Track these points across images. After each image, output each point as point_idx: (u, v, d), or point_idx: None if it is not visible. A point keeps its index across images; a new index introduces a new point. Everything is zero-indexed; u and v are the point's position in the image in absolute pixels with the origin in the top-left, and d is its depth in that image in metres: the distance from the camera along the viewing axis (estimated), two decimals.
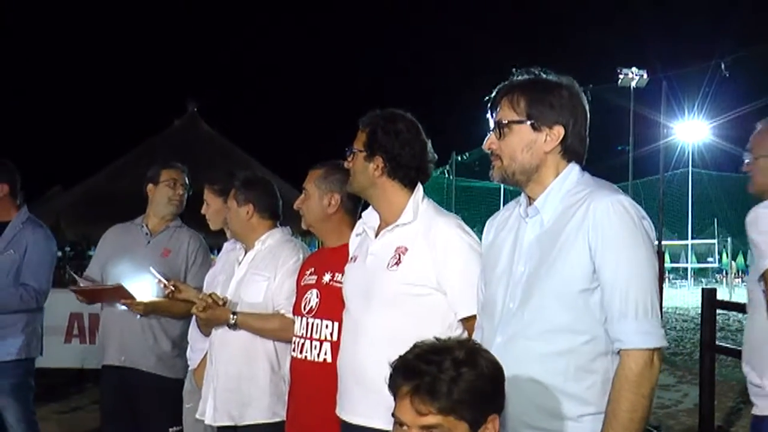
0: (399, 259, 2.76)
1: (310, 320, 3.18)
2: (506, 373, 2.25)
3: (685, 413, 8.18)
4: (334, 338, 3.09)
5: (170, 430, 4.30)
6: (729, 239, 35.93)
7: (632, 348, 2.21)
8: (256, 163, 13.09)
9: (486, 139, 2.44)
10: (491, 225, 2.63)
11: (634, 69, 26.99)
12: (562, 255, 2.29)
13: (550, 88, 2.39)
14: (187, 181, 4.56)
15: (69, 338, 7.59)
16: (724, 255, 35.12)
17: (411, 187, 2.91)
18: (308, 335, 3.18)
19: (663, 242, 35.50)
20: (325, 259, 3.33)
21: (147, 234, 4.52)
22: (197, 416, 3.83)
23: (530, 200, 2.44)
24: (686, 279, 34.63)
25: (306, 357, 3.17)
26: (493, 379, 1.89)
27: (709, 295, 8.10)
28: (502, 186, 31.51)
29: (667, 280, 31.64)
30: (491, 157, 2.44)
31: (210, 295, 3.67)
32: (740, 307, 14.85)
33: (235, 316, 3.60)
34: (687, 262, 36.87)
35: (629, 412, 2.18)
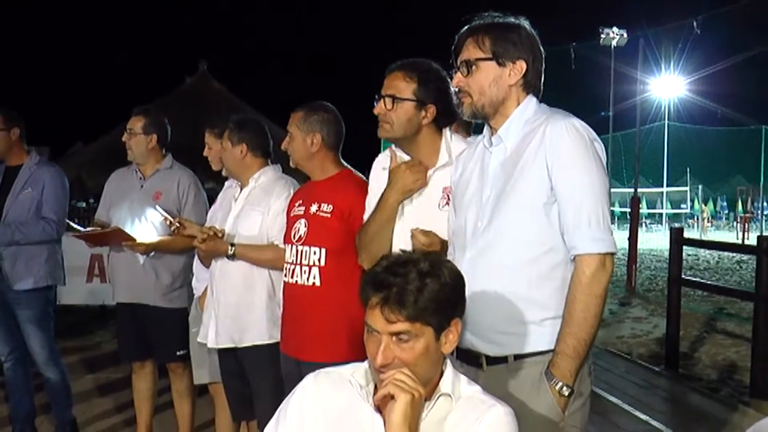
0: (448, 199, 2.70)
1: (300, 247, 3.18)
2: (476, 284, 2.29)
3: (654, 342, 8.26)
4: (322, 263, 3.09)
5: (178, 353, 4.34)
6: (700, 187, 36.04)
7: (585, 253, 2.24)
8: (263, 117, 13.01)
9: (453, 78, 2.44)
10: (458, 162, 2.64)
11: (615, 29, 26.78)
12: (523, 175, 2.31)
13: (511, 28, 2.40)
14: (141, 127, 4.40)
15: (90, 278, 7.59)
16: (696, 201, 35.19)
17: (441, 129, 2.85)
18: (298, 261, 3.18)
19: (640, 189, 35.50)
20: (312, 192, 3.31)
21: (140, 178, 4.48)
22: (199, 340, 3.86)
23: (493, 131, 2.45)
24: (661, 224, 34.73)
25: (297, 281, 3.17)
26: (455, 288, 1.88)
27: (676, 234, 8.20)
28: None
29: (643, 224, 31.68)
30: (460, 95, 2.44)
31: (210, 228, 3.68)
32: (705, 244, 15.08)
33: (233, 248, 3.60)
34: (662, 208, 36.95)
35: (583, 312, 2.22)
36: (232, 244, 3.61)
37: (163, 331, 4.36)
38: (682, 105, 38.59)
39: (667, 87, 35.91)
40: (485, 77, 2.38)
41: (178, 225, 3.98)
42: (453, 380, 1.89)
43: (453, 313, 1.86)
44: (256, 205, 3.66)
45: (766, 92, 42.99)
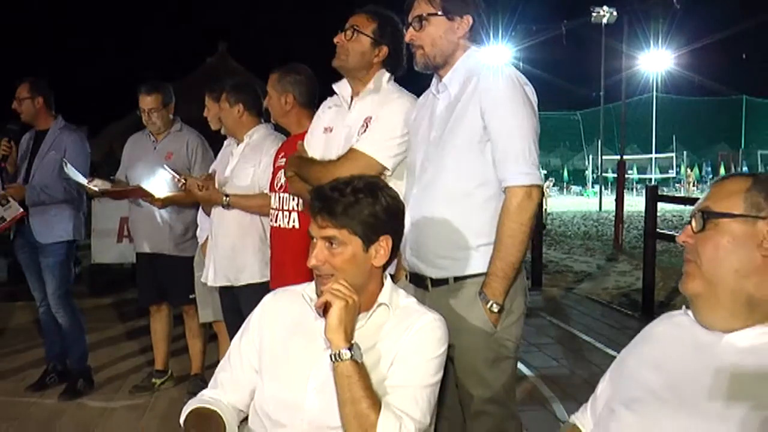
0: (366, 126, 2.74)
1: (282, 195, 3.23)
2: (421, 215, 2.37)
3: (636, 292, 8.29)
4: (300, 208, 3.13)
5: (190, 296, 4.45)
6: (685, 153, 35.89)
7: (513, 185, 2.29)
8: None
9: (407, 33, 2.47)
10: (414, 107, 2.68)
11: (605, 7, 26.50)
12: (461, 117, 2.36)
13: None
14: (159, 103, 4.49)
15: (120, 238, 7.62)
16: (682, 167, 35.00)
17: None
18: (280, 207, 3.24)
19: (630, 156, 35.29)
20: (291, 145, 3.33)
21: (153, 141, 4.58)
22: (201, 280, 3.97)
23: (440, 79, 2.48)
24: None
25: (280, 225, 3.24)
26: (388, 209, 1.90)
27: (651, 191, 8.19)
28: None
29: (634, 189, 31.56)
30: (413, 48, 2.47)
31: (207, 176, 3.82)
32: (679, 200, 14.77)
33: (227, 198, 3.70)
34: (651, 173, 36.76)
35: (510, 237, 2.27)
36: (227, 195, 3.70)
37: (176, 277, 4.49)
38: (670, 78, 38.27)
39: (655, 61, 35.54)
40: (436, 30, 2.41)
41: (184, 181, 4.10)
42: (391, 293, 1.95)
43: (382, 229, 1.89)
44: (249, 159, 3.75)
45: (745, 64, 42.48)
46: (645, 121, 36.58)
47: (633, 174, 35.68)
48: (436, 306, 2.09)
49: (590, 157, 36.36)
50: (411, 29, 2.44)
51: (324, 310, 1.81)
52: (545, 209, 23.65)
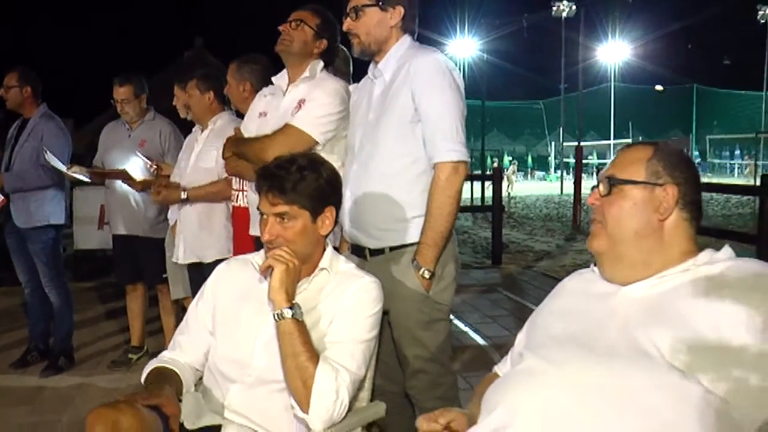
0: (299, 107, 2.79)
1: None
2: (360, 191, 2.44)
3: None
4: (245, 187, 3.21)
5: (163, 275, 4.49)
6: (640, 138, 36.25)
7: (441, 161, 2.36)
8: None
9: (344, 23, 2.52)
10: (354, 91, 2.75)
11: (564, 1, 26.67)
12: (395, 100, 2.42)
13: None
14: (131, 94, 4.53)
15: (101, 225, 7.56)
16: None
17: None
18: (240, 188, 3.32)
19: (591, 143, 35.59)
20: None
21: (128, 129, 4.63)
22: (173, 260, 4.04)
23: (376, 65, 2.55)
24: None
25: (240, 204, 3.32)
26: (329, 181, 1.98)
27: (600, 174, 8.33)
28: None
29: (594, 173, 31.82)
30: (350, 37, 2.53)
31: (160, 183, 3.91)
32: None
33: (185, 193, 3.78)
34: (610, 158, 37.09)
35: (439, 209, 2.35)
36: (184, 190, 3.78)
37: (151, 257, 4.53)
38: (627, 68, 38.64)
39: (612, 52, 35.86)
40: (370, 20, 2.46)
41: (156, 167, 4.18)
42: (331, 258, 2.04)
43: (327, 201, 1.98)
44: (213, 144, 3.78)
45: (696, 54, 42.96)
46: (604, 109, 36.92)
47: (593, 159, 36.01)
48: (373, 273, 2.13)
49: (553, 143, 36.67)
50: (348, 19, 2.49)
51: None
52: (508, 193, 23.94)
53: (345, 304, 1.94)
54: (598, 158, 36.62)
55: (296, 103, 2.81)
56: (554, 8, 27.33)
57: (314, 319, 1.92)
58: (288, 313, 1.82)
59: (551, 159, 38.62)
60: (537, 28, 29.44)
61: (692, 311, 1.40)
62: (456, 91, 2.40)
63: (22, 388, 4.27)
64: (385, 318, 2.40)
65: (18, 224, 4.52)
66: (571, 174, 27.49)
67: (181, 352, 2.10)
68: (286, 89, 2.92)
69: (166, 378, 2.00)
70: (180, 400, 1.91)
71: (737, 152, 31.00)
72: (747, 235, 6.69)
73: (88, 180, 4.48)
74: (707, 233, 8.55)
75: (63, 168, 4.29)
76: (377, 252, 2.48)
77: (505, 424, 1.39)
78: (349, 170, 2.54)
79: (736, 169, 29.36)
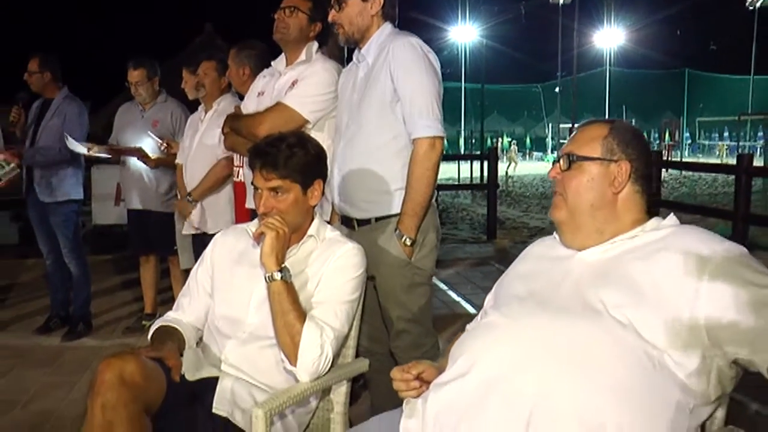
0: (292, 85, 2.87)
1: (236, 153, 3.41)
2: (347, 166, 2.52)
3: None
4: (241, 163, 3.30)
5: (174, 247, 4.59)
6: (633, 120, 36.16)
7: (419, 136, 2.42)
8: None
9: (329, 14, 2.58)
10: (337, 72, 2.82)
11: None
12: (376, 81, 2.48)
13: None
14: (144, 76, 4.61)
15: (117, 202, 7.67)
16: None
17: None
18: (240, 164, 3.41)
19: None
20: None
21: (141, 110, 4.71)
22: (183, 233, 4.15)
23: (360, 51, 2.61)
24: None
25: (241, 179, 3.43)
26: (316, 156, 2.07)
27: None
28: (462, 85, 31.45)
29: None
30: (335, 28, 2.58)
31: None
32: None
33: (190, 197, 3.91)
34: None
35: (418, 181, 2.41)
36: (189, 194, 3.91)
37: (163, 230, 4.62)
38: (621, 52, 38.42)
39: (607, 38, 35.63)
40: (352, 11, 2.53)
41: (167, 145, 4.28)
42: (319, 226, 2.13)
43: (315, 174, 2.07)
44: (216, 123, 3.83)
45: (688, 40, 42.66)
46: (599, 92, 36.77)
47: None
48: (361, 242, 2.21)
49: (550, 125, 36.67)
50: (332, 11, 2.55)
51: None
52: (506, 172, 23.96)
53: (330, 268, 2.04)
54: None
55: (290, 83, 2.88)
56: None
57: (302, 282, 2.02)
58: (278, 275, 1.92)
59: (548, 140, 38.52)
60: (535, 15, 29.29)
61: (636, 272, 1.49)
62: (431, 72, 2.45)
63: (45, 351, 4.40)
64: (372, 283, 2.51)
65: (41, 198, 4.63)
66: None
67: (183, 313, 2.20)
68: (284, 70, 2.99)
69: (170, 335, 2.11)
70: (182, 355, 2.02)
71: (726, 134, 30.97)
72: (727, 212, 6.74)
73: (108, 157, 4.59)
74: (694, 211, 8.63)
75: (84, 151, 4.39)
76: (364, 222, 2.55)
77: (465, 372, 1.48)
78: (336, 148, 2.61)
79: (724, 150, 29.34)
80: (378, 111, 2.48)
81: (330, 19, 2.58)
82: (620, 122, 1.69)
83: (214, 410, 1.88)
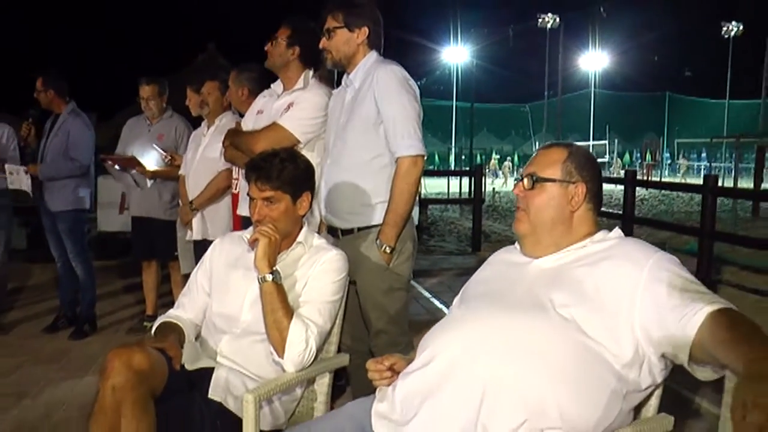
0: (287, 108, 3.04)
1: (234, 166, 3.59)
2: (333, 181, 2.68)
3: None
4: (239, 177, 3.46)
5: (174, 253, 4.70)
6: (616, 140, 36.51)
7: (403, 155, 2.57)
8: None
9: (321, 41, 2.75)
10: (332, 97, 2.96)
11: (549, 14, 26.75)
12: (361, 104, 2.64)
13: (358, 4, 2.71)
14: (156, 92, 4.78)
15: (121, 210, 7.79)
16: (615, 153, 35.59)
17: (306, 67, 3.16)
18: (238, 177, 3.58)
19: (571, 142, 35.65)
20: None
21: (148, 124, 4.86)
22: (187, 239, 4.29)
23: (348, 76, 2.77)
24: None
25: (238, 191, 3.59)
26: (305, 171, 2.24)
27: None
28: (453, 103, 31.73)
29: None
30: (324, 53, 2.76)
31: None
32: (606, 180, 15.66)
33: (192, 205, 4.06)
34: None
35: (400, 195, 2.57)
36: (191, 203, 4.05)
37: (164, 237, 4.73)
38: (606, 75, 38.84)
39: (592, 61, 36.05)
40: (340, 39, 2.70)
41: (171, 157, 4.44)
42: (306, 235, 2.30)
43: (304, 187, 2.24)
44: (217, 138, 3.96)
45: (666, 65, 43.13)
46: (585, 112, 37.10)
47: None
48: (344, 249, 2.36)
49: (537, 143, 36.85)
50: (323, 39, 2.73)
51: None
52: (493, 188, 24.15)
53: (316, 272, 2.20)
54: None
55: (286, 105, 3.05)
56: (540, 20, 27.39)
57: (291, 283, 2.18)
58: (269, 277, 2.08)
59: None
60: (525, 37, 29.66)
61: (583, 277, 1.66)
62: (412, 97, 2.61)
63: (53, 349, 4.54)
64: (354, 287, 2.67)
65: (50, 207, 4.78)
66: None
67: (183, 311, 2.36)
68: (281, 94, 3.16)
69: (172, 329, 2.26)
70: (182, 347, 2.17)
71: (703, 155, 31.36)
72: (695, 229, 6.92)
73: (119, 169, 4.74)
74: (669, 228, 8.81)
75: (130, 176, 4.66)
76: (348, 232, 2.71)
77: (428, 361, 1.64)
78: (324, 165, 2.77)
79: (702, 171, 29.74)
80: (362, 132, 2.63)
81: (321, 46, 2.75)
82: (577, 147, 1.86)
83: (209, 396, 2.03)
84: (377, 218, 2.63)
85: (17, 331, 4.99)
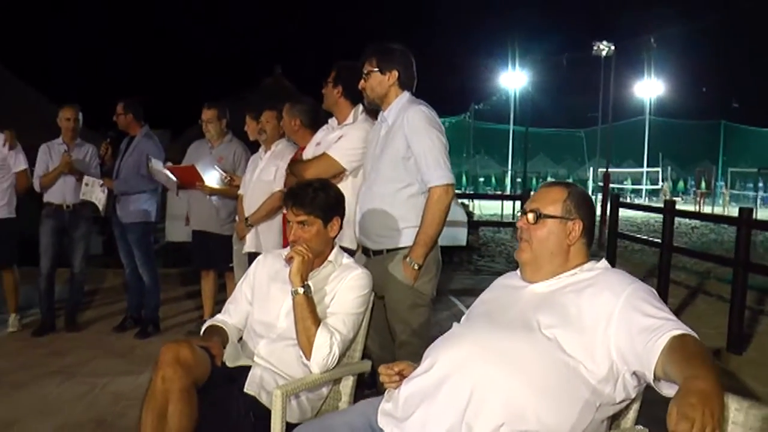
0: (338, 139, 3.35)
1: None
2: (366, 206, 2.91)
3: None
4: None
5: (230, 265, 4.97)
6: (669, 168, 35.63)
7: (435, 185, 2.80)
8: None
9: (361, 82, 3.02)
10: (370, 131, 3.20)
11: (604, 42, 26.54)
12: (393, 140, 2.88)
13: (389, 50, 2.97)
14: (215, 116, 5.04)
15: (188, 222, 8.21)
16: (669, 180, 34.76)
17: (354, 103, 3.44)
18: None
19: (625, 170, 35.06)
20: (298, 153, 3.92)
21: (210, 147, 5.16)
22: (243, 251, 4.54)
23: (383, 113, 3.01)
24: (640, 197, 34.45)
25: None
26: (335, 198, 2.46)
27: (614, 199, 8.53)
28: (510, 127, 31.68)
29: (628, 197, 31.58)
30: (363, 93, 3.04)
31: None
32: (634, 207, 14.95)
33: (248, 221, 4.34)
34: (643, 185, 36.53)
35: (431, 219, 2.80)
36: (246, 219, 4.33)
37: (220, 249, 5.00)
38: (660, 103, 38.10)
39: (647, 88, 35.44)
40: (374, 81, 2.96)
41: (230, 178, 4.76)
42: (336, 254, 2.52)
43: (334, 212, 2.46)
44: (273, 162, 4.33)
45: (723, 94, 41.96)
46: (639, 138, 36.43)
47: (628, 185, 35.61)
48: (374, 268, 2.58)
49: (591, 168, 36.43)
50: (363, 80, 3.00)
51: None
52: None
53: (342, 287, 2.42)
54: (633, 183, 36.19)
55: (336, 138, 3.35)
56: (594, 48, 27.17)
57: (320, 296, 2.41)
58: (301, 290, 2.31)
59: (589, 182, 38.23)
60: (581, 64, 29.49)
61: (568, 302, 1.84)
62: (439, 132, 2.85)
63: (121, 346, 4.91)
64: (382, 302, 2.88)
65: (121, 219, 5.17)
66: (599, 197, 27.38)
67: (228, 316, 2.61)
68: (335, 127, 3.47)
69: (217, 331, 2.52)
70: (225, 347, 2.43)
71: (761, 184, 30.36)
72: (729, 259, 6.85)
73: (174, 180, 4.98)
74: (704, 258, 8.62)
75: (161, 168, 4.89)
76: (377, 252, 2.94)
77: (428, 369, 1.84)
78: (360, 191, 3.02)
79: (758, 201, 28.77)
80: (392, 165, 2.87)
81: (359, 86, 3.02)
82: (575, 187, 2.04)
83: (245, 390, 2.27)
84: (404, 241, 2.84)
85: (92, 329, 5.39)
